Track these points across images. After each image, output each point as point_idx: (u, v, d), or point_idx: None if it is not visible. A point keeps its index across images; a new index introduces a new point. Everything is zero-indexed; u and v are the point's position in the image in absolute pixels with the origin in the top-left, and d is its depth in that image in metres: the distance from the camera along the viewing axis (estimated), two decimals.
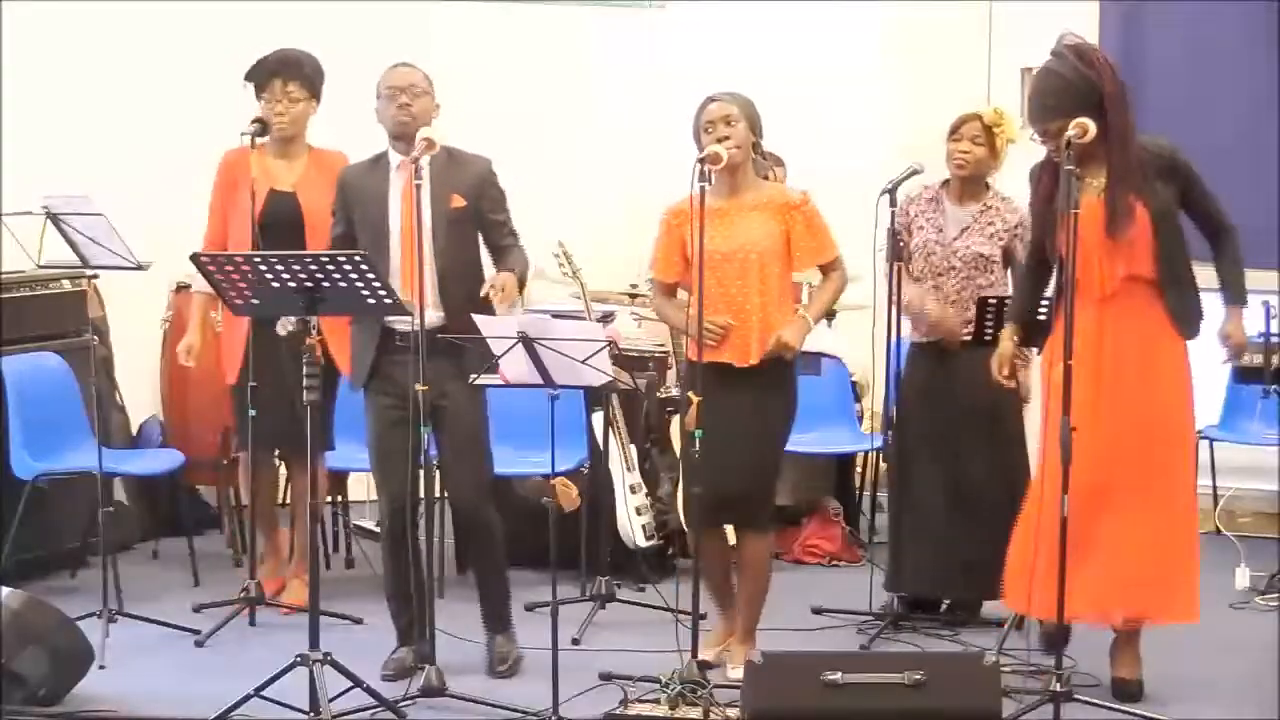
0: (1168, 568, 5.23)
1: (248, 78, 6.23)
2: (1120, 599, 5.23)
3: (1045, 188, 5.27)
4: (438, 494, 5.75)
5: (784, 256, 5.47)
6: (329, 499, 7.04)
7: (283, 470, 6.71)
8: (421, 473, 5.33)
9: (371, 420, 5.54)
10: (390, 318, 5.34)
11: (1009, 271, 6.05)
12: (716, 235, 5.35)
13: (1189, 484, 5.35)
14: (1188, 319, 5.23)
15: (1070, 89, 5.08)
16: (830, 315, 7.84)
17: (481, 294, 5.33)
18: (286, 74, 6.21)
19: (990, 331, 5.77)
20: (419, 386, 5.15)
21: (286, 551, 6.53)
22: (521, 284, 5.46)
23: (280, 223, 6.07)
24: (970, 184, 6.08)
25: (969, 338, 5.93)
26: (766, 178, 5.64)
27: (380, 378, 5.47)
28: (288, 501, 6.76)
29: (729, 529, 5.65)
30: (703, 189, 5.24)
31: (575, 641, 5.85)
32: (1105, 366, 5.17)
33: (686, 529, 5.97)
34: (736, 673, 5.33)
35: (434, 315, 5.36)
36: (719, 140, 5.35)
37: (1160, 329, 5.19)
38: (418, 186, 5.20)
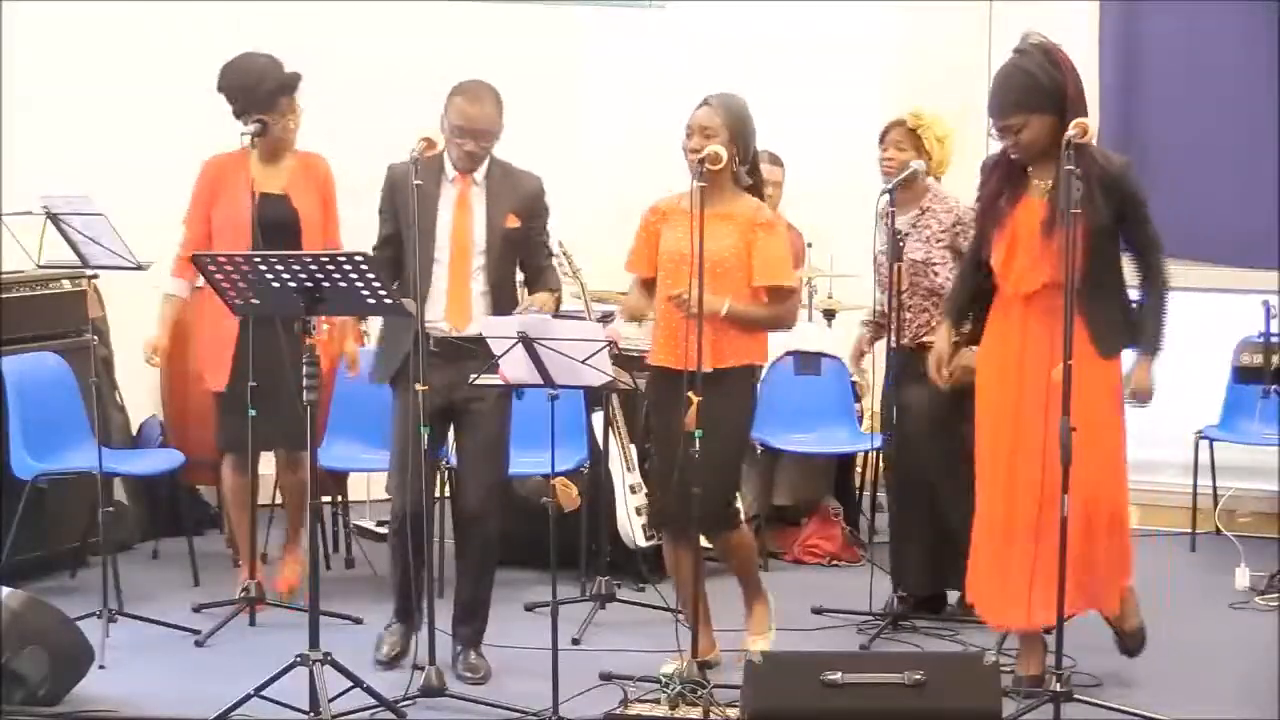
0: (1094, 571, 5.18)
1: (249, 97, 6.17)
2: (1038, 602, 5.14)
3: (993, 187, 5.26)
4: (440, 494, 5.75)
5: (744, 270, 5.41)
6: (328, 499, 7.03)
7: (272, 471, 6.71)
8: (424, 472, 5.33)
9: (399, 418, 5.51)
10: (429, 324, 5.33)
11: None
12: (684, 238, 5.34)
13: (1107, 487, 5.21)
14: (1102, 336, 5.14)
15: (1035, 87, 5.08)
16: (830, 315, 7.89)
17: (518, 311, 5.34)
18: (290, 90, 6.23)
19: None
20: (419, 386, 5.15)
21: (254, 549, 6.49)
22: (557, 305, 5.52)
23: (274, 226, 6.07)
24: (907, 190, 6.08)
25: (929, 340, 5.94)
26: (753, 187, 5.57)
27: (412, 377, 5.42)
28: (276, 502, 6.75)
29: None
30: (702, 189, 5.24)
31: (575, 641, 5.86)
32: (1028, 365, 5.15)
33: (655, 531, 6.00)
34: (757, 644, 5.37)
35: (477, 329, 5.29)
36: (691, 150, 5.34)
37: (1079, 333, 5.03)
38: (417, 186, 5.21)
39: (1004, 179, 5.23)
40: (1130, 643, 5.49)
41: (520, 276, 5.65)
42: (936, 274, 6.02)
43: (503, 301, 5.49)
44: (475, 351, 5.22)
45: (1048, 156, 5.09)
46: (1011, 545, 5.19)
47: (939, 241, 6.03)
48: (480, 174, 5.43)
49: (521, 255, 5.57)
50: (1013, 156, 5.17)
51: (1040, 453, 5.02)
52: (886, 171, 6.10)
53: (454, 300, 5.43)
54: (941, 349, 5.43)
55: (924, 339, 5.98)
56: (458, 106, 5.43)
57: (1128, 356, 5.26)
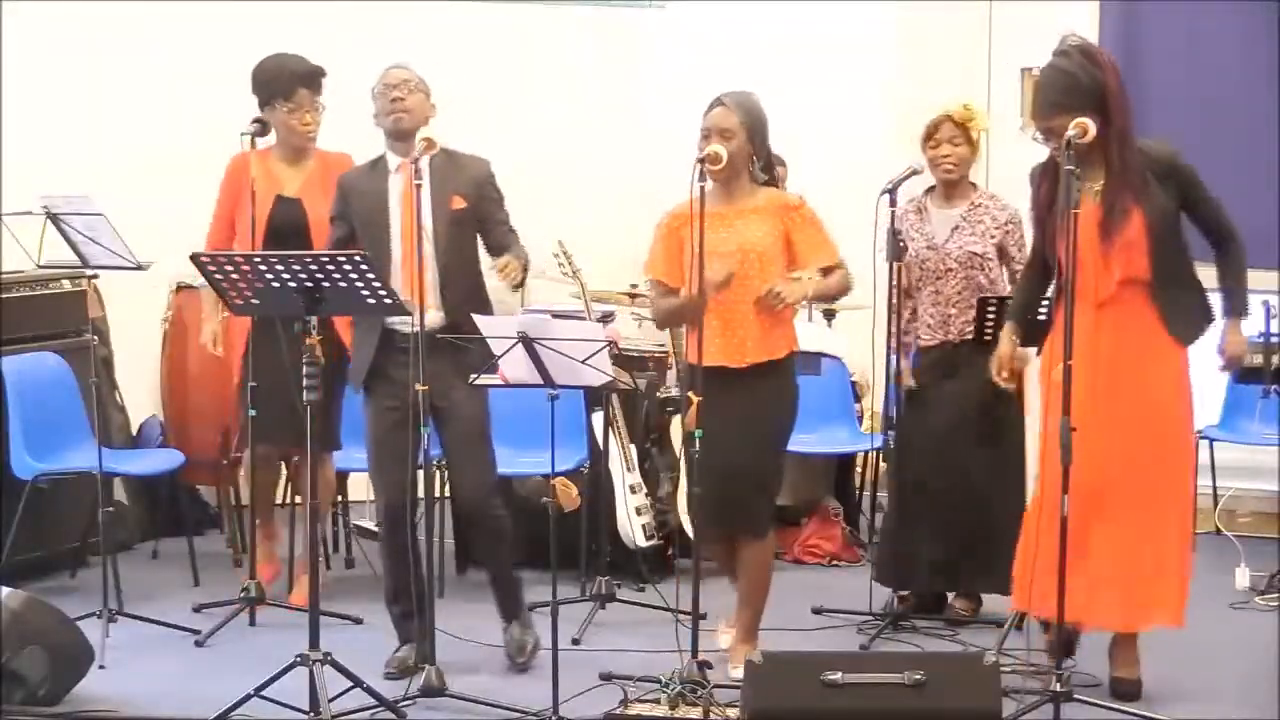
0: (1158, 574, 5.21)
1: (269, 86, 6.17)
2: (1112, 604, 5.22)
3: (1046, 192, 5.26)
4: (438, 494, 5.75)
5: (783, 258, 5.45)
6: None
7: (283, 470, 6.72)
8: (421, 473, 5.33)
9: (371, 420, 5.54)
10: (391, 318, 5.34)
11: (1004, 269, 6.06)
12: (715, 237, 5.33)
13: (1184, 490, 5.33)
14: (1182, 324, 5.20)
15: (1077, 87, 5.07)
16: (830, 315, 7.89)
17: (498, 269, 5.37)
18: (314, 84, 6.21)
19: (990, 331, 5.78)
20: (419, 386, 5.15)
21: (281, 541, 6.49)
22: (524, 269, 5.48)
23: (286, 229, 6.08)
24: (956, 185, 6.08)
25: (969, 337, 5.95)
26: (768, 183, 5.61)
27: (380, 378, 5.48)
28: (288, 501, 6.76)
29: None
30: (702, 188, 5.24)
31: (575, 641, 5.85)
32: (1101, 370, 5.14)
33: (688, 528, 5.96)
34: (737, 672, 5.33)
35: (435, 316, 5.37)
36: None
37: (1156, 333, 5.17)
38: (418, 187, 5.21)
39: (1054, 186, 5.17)
40: (1126, 688, 5.34)
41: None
42: (990, 270, 6.01)
43: (460, 288, 5.45)
44: (445, 344, 5.22)
45: (1093, 158, 5.08)
46: (1087, 545, 5.13)
47: (991, 238, 6.01)
48: (424, 162, 5.33)
49: (481, 236, 5.56)
50: (1069, 139, 5.07)
51: (1124, 457, 5.09)
52: (947, 170, 6.03)
53: (408, 287, 5.31)
54: (1006, 350, 5.43)
55: (968, 335, 5.97)
56: (379, 79, 5.51)
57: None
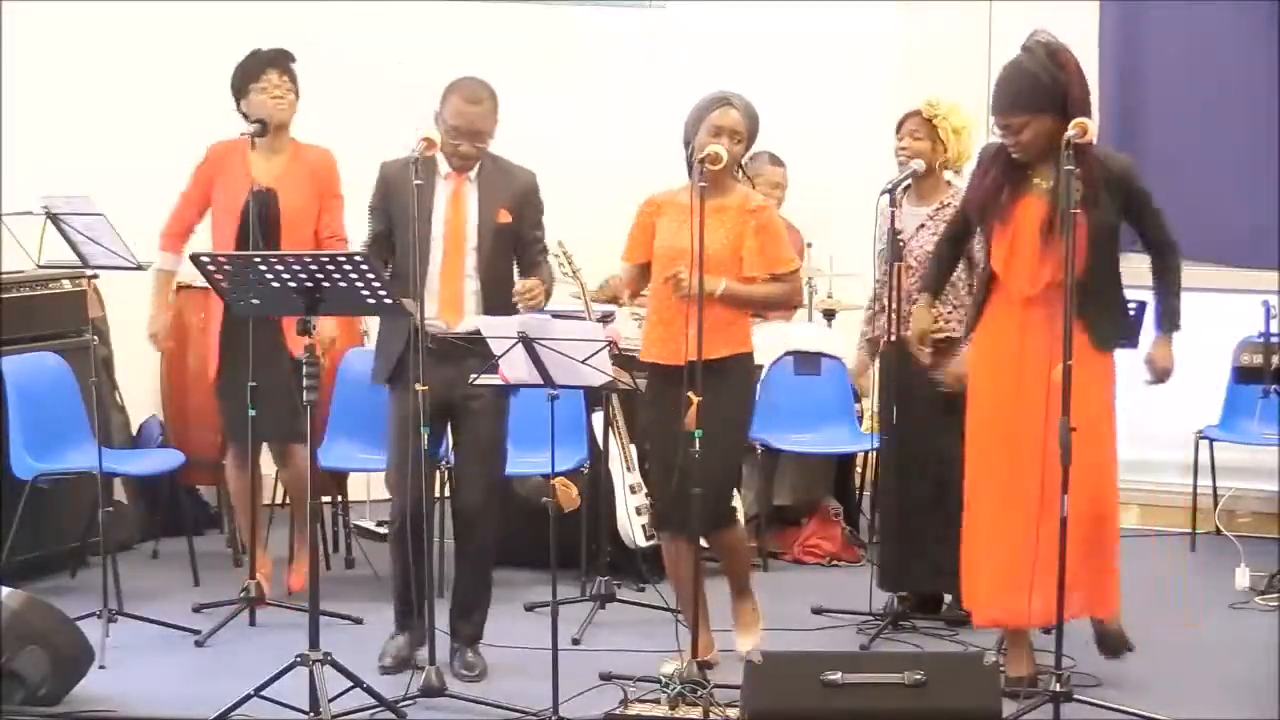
0: (1085, 571, 5.14)
1: (242, 68, 6.29)
2: (1044, 608, 5.12)
3: (993, 180, 5.25)
4: (439, 494, 5.74)
5: (735, 261, 5.43)
6: (328, 499, 7.03)
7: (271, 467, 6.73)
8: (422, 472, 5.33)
9: (396, 418, 5.50)
10: (426, 322, 5.32)
11: (971, 270, 6.03)
12: (679, 231, 5.33)
13: (1103, 484, 5.23)
14: (1102, 333, 5.16)
15: (1038, 86, 5.07)
16: (830, 315, 7.88)
17: (521, 293, 5.36)
18: (281, 65, 6.30)
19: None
20: (419, 386, 5.15)
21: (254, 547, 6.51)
22: (547, 295, 5.49)
23: (258, 218, 6.10)
24: (924, 182, 6.09)
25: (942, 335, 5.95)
26: (752, 180, 5.62)
27: (408, 378, 5.42)
28: (281, 501, 6.76)
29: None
30: (703, 188, 5.24)
31: (575, 641, 5.85)
32: (1028, 365, 5.14)
33: (656, 530, 6.00)
34: (745, 644, 5.37)
35: (471, 324, 5.32)
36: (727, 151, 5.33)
37: (1079, 335, 5.05)
38: (418, 186, 5.21)
39: (1005, 172, 5.22)
40: (1112, 642, 5.44)
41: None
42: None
43: (497, 298, 5.45)
44: (473, 350, 5.22)
45: (1048, 156, 5.09)
46: (1010, 545, 5.18)
47: None
48: (474, 169, 5.41)
49: (516, 251, 5.56)
50: (1013, 155, 5.17)
51: (1040, 453, 5.01)
52: (900, 162, 6.07)
53: (447, 297, 5.42)
54: (924, 323, 5.49)
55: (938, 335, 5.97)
56: (454, 106, 5.42)
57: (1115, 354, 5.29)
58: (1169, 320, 5.28)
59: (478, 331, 5.21)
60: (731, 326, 5.44)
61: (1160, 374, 5.30)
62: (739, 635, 5.71)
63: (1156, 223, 5.26)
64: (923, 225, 6.04)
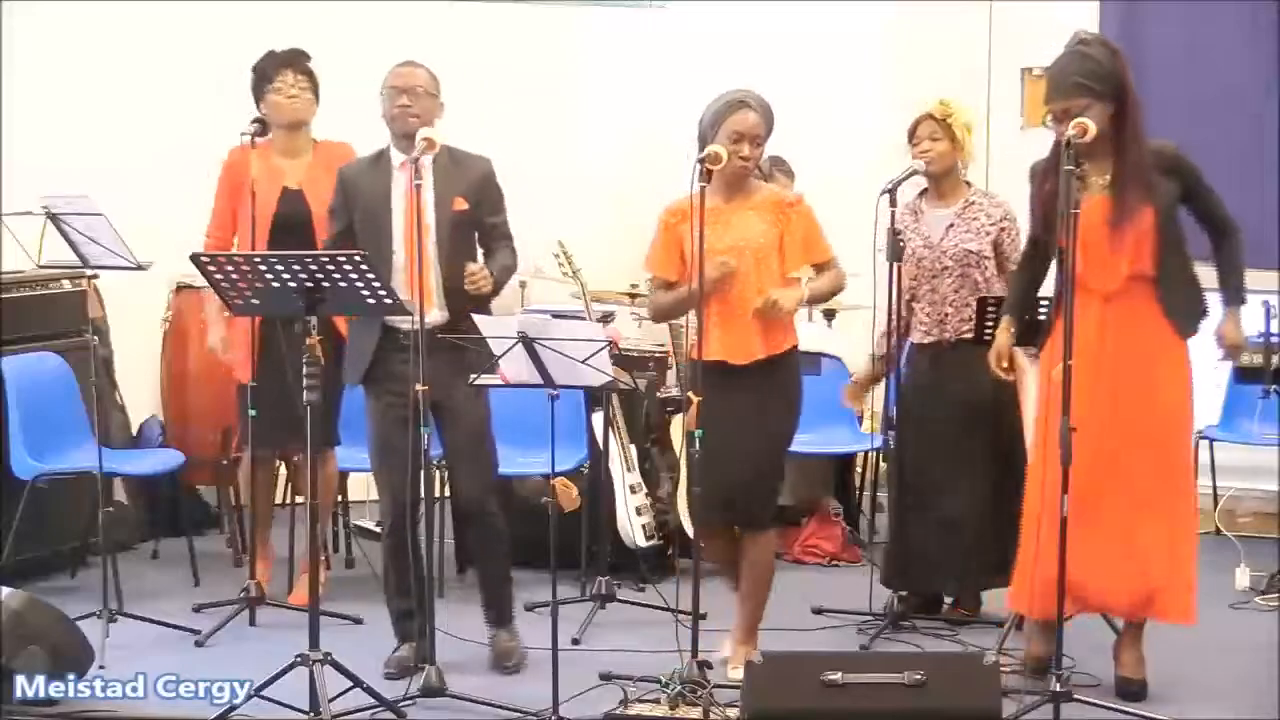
0: (1169, 569, 5.23)
1: (256, 70, 6.25)
2: (1120, 593, 5.25)
3: (1051, 189, 5.23)
4: (439, 493, 5.74)
5: (778, 255, 5.46)
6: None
7: (283, 470, 6.72)
8: (421, 472, 5.33)
9: (374, 418, 5.54)
10: (392, 316, 5.34)
11: (998, 266, 6.05)
12: (713, 234, 5.34)
13: (1189, 485, 5.37)
14: (1184, 317, 5.23)
15: (1101, 73, 5.07)
16: (830, 315, 7.89)
17: (467, 275, 5.35)
18: (297, 65, 6.26)
19: (989, 330, 5.77)
20: (419, 386, 5.15)
21: (273, 552, 6.51)
22: (498, 286, 5.45)
23: (288, 221, 6.09)
24: (945, 182, 6.09)
25: (969, 336, 5.95)
26: (767, 180, 5.64)
27: (381, 376, 5.48)
28: (288, 502, 6.76)
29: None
30: (703, 189, 5.24)
31: (575, 641, 5.85)
32: (1106, 365, 5.17)
33: (689, 528, 5.96)
34: (736, 673, 5.34)
35: (438, 315, 5.37)
36: (740, 157, 5.34)
37: (1161, 328, 5.19)
38: (418, 186, 5.21)
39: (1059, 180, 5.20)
40: (1135, 688, 5.36)
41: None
42: (985, 269, 6.01)
43: (460, 287, 5.42)
44: (447, 343, 5.23)
45: (1101, 152, 5.09)
46: (1095, 541, 5.15)
47: (986, 234, 6.00)
48: (428, 160, 5.37)
49: (479, 237, 5.57)
50: (1070, 142, 4.98)
51: (1131, 449, 5.12)
52: (928, 165, 6.03)
53: (409, 286, 5.33)
54: (1004, 341, 5.45)
55: (965, 334, 5.98)
56: (392, 72, 5.50)
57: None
58: (1236, 295, 5.30)
59: (446, 327, 5.23)
60: (780, 321, 5.47)
61: (1232, 348, 5.33)
62: (727, 644, 5.66)
63: (1213, 199, 5.27)
64: (951, 225, 6.04)
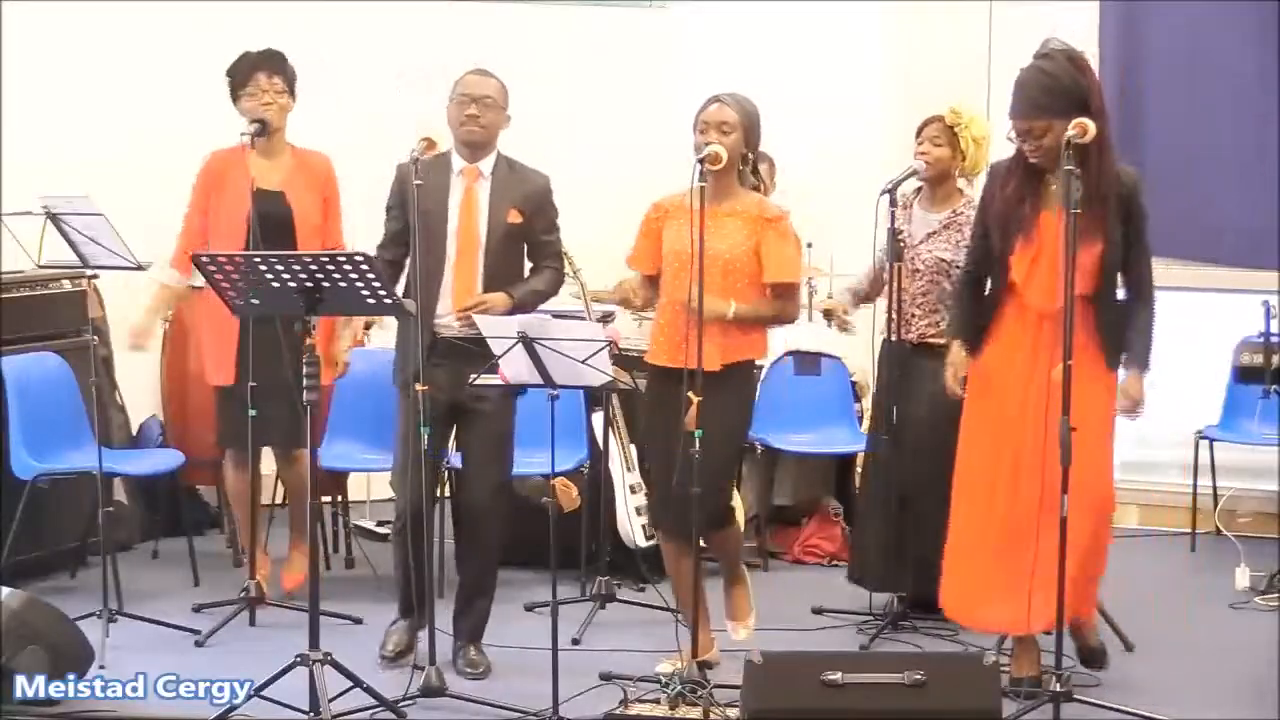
0: (1073, 574, 5.09)
1: (229, 73, 6.26)
2: (1038, 606, 5.13)
3: (1014, 190, 5.19)
4: (442, 495, 5.73)
5: (751, 269, 5.41)
6: (328, 499, 7.03)
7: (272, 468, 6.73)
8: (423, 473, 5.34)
9: (404, 419, 5.49)
10: (437, 321, 5.37)
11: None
12: (687, 235, 5.30)
13: (1109, 493, 5.28)
14: (1112, 348, 5.17)
15: (1061, 90, 5.03)
16: (829, 315, 7.87)
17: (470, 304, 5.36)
18: (270, 67, 6.25)
19: None
20: (419, 386, 5.16)
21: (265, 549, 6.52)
22: (522, 308, 5.42)
23: (269, 222, 6.08)
24: (939, 188, 6.08)
25: (929, 340, 5.95)
26: (756, 188, 5.61)
27: (419, 378, 5.41)
28: (280, 501, 6.76)
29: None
30: (703, 189, 5.23)
31: (575, 641, 5.86)
32: (1037, 372, 5.11)
33: (654, 530, 5.99)
34: (739, 635, 5.38)
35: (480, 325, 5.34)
36: (706, 143, 5.31)
37: (1089, 350, 5.08)
38: (418, 186, 5.22)
39: (1023, 185, 5.17)
40: (1093, 656, 5.43)
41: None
42: (956, 279, 5.99)
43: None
44: (481, 351, 5.22)
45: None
46: (1013, 549, 5.17)
47: (964, 248, 5.97)
48: (487, 168, 5.44)
49: (527, 252, 5.58)
50: (1032, 160, 5.09)
51: (1042, 455, 5.01)
52: (925, 170, 6.04)
53: (460, 296, 5.43)
54: (959, 361, 5.38)
55: (930, 338, 5.98)
56: (464, 79, 5.51)
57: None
58: (1142, 359, 5.21)
59: (477, 336, 5.23)
60: (745, 336, 5.43)
61: (1130, 406, 5.22)
62: (733, 624, 5.70)
63: (1145, 256, 5.20)
64: (933, 233, 6.03)
